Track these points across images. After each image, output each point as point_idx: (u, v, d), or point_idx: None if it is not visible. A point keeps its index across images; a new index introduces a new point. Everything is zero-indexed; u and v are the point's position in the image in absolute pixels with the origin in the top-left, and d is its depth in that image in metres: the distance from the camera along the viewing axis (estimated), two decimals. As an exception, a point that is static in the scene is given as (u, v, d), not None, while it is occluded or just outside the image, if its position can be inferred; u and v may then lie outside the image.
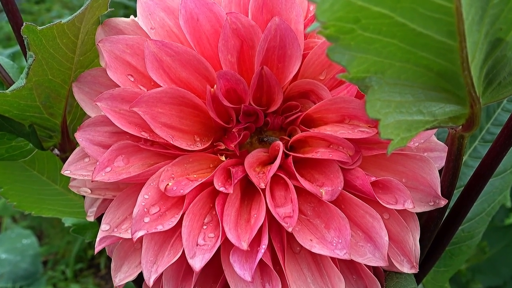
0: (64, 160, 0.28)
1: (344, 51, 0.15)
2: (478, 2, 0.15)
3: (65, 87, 0.26)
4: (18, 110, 0.26)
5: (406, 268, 0.23)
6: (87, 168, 0.24)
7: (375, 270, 0.24)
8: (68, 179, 0.30)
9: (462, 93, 0.17)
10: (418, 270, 0.23)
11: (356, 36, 0.15)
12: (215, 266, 0.23)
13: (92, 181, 0.23)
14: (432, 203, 0.23)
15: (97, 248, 0.23)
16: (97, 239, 0.23)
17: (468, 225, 0.34)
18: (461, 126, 0.19)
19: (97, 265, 1.16)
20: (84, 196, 0.29)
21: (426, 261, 0.28)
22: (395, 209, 0.22)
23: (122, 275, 0.24)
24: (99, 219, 0.27)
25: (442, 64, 0.16)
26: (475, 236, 0.35)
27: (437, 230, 0.24)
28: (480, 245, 0.65)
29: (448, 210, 0.27)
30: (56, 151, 0.29)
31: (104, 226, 0.23)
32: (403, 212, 0.23)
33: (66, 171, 0.24)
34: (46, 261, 1.19)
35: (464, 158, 0.35)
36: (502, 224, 0.67)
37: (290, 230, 0.20)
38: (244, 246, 0.20)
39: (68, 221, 0.36)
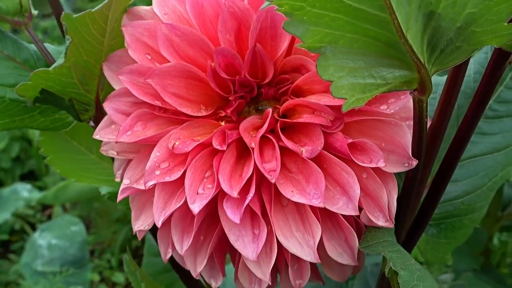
0: (98, 131, 0.35)
1: (298, 25, 0.20)
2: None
3: (97, 67, 0.33)
4: (60, 86, 0.32)
5: (381, 222, 0.27)
6: (113, 133, 0.30)
7: (357, 226, 0.28)
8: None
9: (408, 60, 0.22)
10: (393, 224, 0.27)
11: (306, 12, 0.20)
12: (215, 220, 0.28)
13: (116, 143, 0.29)
14: (407, 164, 0.27)
15: (120, 198, 0.29)
16: (119, 191, 0.29)
17: (468, 198, 0.37)
18: (416, 91, 0.24)
19: (140, 256, 1.25)
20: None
21: (414, 230, 0.32)
22: (370, 168, 0.26)
23: (140, 223, 0.30)
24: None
25: (386, 35, 0.21)
26: (477, 210, 0.38)
27: (414, 192, 0.28)
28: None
29: (431, 179, 0.31)
30: (91, 123, 0.36)
31: (125, 181, 0.29)
32: (382, 173, 0.27)
33: (97, 135, 0.31)
34: (93, 250, 1.29)
35: (466, 135, 0.38)
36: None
37: (273, 181, 0.25)
38: (235, 194, 0.25)
39: (104, 190, 0.42)
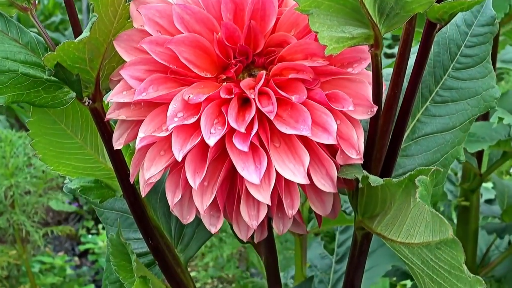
0: (93, 110, 0.59)
1: (296, -7, 0.46)
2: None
3: (104, 46, 0.57)
4: (71, 61, 0.55)
5: (354, 155, 0.52)
6: (125, 97, 0.54)
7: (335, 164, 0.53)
8: (87, 133, 0.60)
9: (366, 21, 0.49)
10: (362, 160, 0.53)
11: (301, -16, 0.46)
12: (219, 165, 0.52)
13: (133, 102, 0.53)
14: (370, 112, 0.53)
15: (140, 145, 0.52)
16: (138, 140, 0.52)
17: (424, 170, 0.64)
18: (373, 47, 0.50)
19: None
20: (98, 152, 0.59)
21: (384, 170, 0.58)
22: (342, 112, 0.52)
23: (151, 172, 0.53)
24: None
25: (352, 2, 0.47)
26: (437, 185, 0.65)
27: (378, 133, 0.54)
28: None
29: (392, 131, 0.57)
30: (87, 101, 0.59)
31: (140, 134, 0.53)
32: (352, 120, 0.53)
33: (110, 100, 0.54)
34: None
35: (418, 115, 0.66)
36: None
37: (271, 117, 0.50)
38: (242, 129, 0.50)
39: (75, 183, 0.65)
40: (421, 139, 0.65)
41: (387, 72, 0.62)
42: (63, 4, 0.61)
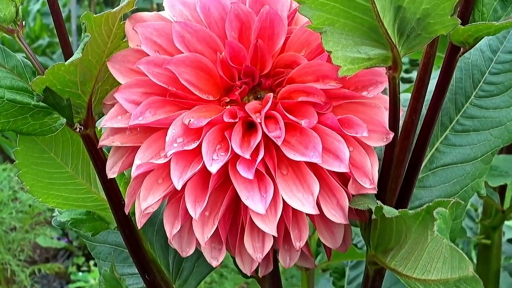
0: (84, 136, 0.58)
1: (308, 10, 0.46)
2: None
3: (97, 68, 0.56)
4: (61, 85, 0.55)
5: (367, 185, 0.52)
6: (120, 122, 0.53)
7: (347, 194, 0.53)
8: (78, 162, 0.59)
9: (384, 41, 0.48)
10: (376, 190, 0.52)
11: (314, 1, 0.46)
12: (221, 194, 0.52)
13: (129, 127, 0.52)
14: (385, 139, 0.53)
15: (135, 173, 0.52)
16: (134, 168, 0.52)
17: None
18: (391, 69, 0.50)
19: None
20: (90, 182, 0.59)
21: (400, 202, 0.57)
22: (355, 138, 0.51)
23: (148, 202, 0.52)
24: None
25: (369, 21, 0.47)
26: (455, 219, 0.64)
27: (393, 161, 0.54)
28: None
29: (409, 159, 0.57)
30: (78, 127, 0.58)
31: (137, 161, 0.52)
32: (365, 147, 0.53)
33: (104, 125, 0.54)
34: None
35: (437, 145, 0.65)
36: None
37: (279, 142, 0.50)
38: (247, 156, 0.49)
39: (64, 216, 0.64)
40: (439, 170, 0.64)
41: (405, 98, 0.61)
42: (51, 26, 0.61)
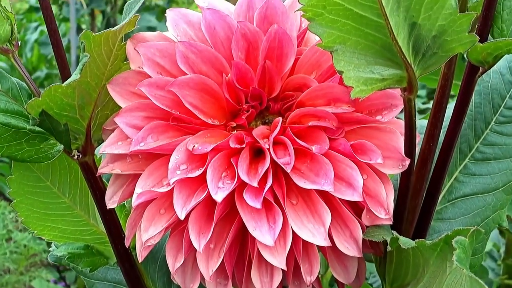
0: (83, 164, 0.58)
1: (318, 27, 0.46)
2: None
3: (96, 91, 0.56)
4: (58, 109, 0.55)
5: (382, 215, 0.51)
6: (120, 149, 0.53)
7: (360, 224, 0.52)
8: (76, 192, 0.59)
9: (399, 60, 0.48)
10: (391, 221, 0.51)
11: (324, 17, 0.45)
12: (227, 226, 0.51)
13: (129, 153, 0.52)
14: (401, 166, 0.52)
15: (136, 202, 0.51)
16: (134, 197, 0.51)
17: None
18: (406, 91, 0.49)
19: None
20: (88, 213, 0.58)
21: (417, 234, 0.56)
22: (369, 165, 0.51)
23: (149, 234, 0.52)
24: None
25: (382, 38, 0.47)
26: (475, 253, 0.63)
27: (410, 191, 0.53)
28: None
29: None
30: (76, 154, 0.58)
31: (138, 190, 0.52)
32: (380, 175, 0.52)
33: (104, 151, 0.53)
34: None
35: (455, 174, 0.64)
36: None
37: (288, 169, 0.49)
38: (255, 184, 0.49)
39: (61, 250, 0.64)
40: (458, 201, 0.64)
41: (421, 124, 0.61)
42: (49, 56, 0.61)
